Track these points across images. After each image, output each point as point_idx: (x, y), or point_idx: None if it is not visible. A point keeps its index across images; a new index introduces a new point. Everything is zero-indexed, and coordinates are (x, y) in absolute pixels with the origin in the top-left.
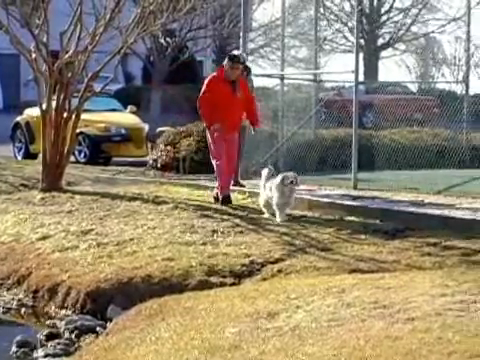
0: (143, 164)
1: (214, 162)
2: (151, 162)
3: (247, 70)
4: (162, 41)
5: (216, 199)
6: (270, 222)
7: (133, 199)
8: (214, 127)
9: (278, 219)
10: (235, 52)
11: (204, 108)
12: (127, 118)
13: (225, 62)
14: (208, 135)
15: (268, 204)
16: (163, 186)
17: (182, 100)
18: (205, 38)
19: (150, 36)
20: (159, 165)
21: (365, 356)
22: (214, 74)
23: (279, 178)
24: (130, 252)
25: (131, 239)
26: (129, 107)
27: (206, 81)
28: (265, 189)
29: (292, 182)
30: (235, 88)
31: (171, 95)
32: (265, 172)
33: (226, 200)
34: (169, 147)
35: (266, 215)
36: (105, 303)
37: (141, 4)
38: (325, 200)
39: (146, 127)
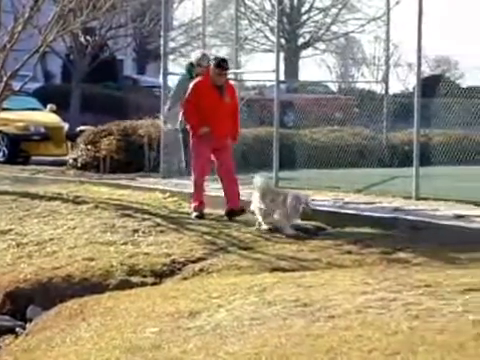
0: (63, 163)
1: (192, 174)
2: (71, 161)
3: None
4: (82, 39)
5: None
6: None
7: (53, 199)
8: (202, 131)
9: (288, 232)
10: (197, 54)
11: (190, 114)
12: (46, 117)
13: (212, 67)
14: (191, 144)
15: (268, 216)
16: (83, 185)
17: (102, 99)
18: (125, 37)
19: (70, 34)
20: (79, 164)
21: (286, 354)
22: (200, 79)
23: (290, 199)
24: (50, 252)
25: (51, 239)
26: (49, 106)
27: (191, 86)
28: (264, 201)
29: (304, 209)
30: (222, 93)
31: (91, 94)
32: (260, 182)
33: (199, 217)
34: (89, 146)
35: (265, 227)
36: (25, 303)
37: (60, 2)
38: (246, 199)
39: (66, 126)
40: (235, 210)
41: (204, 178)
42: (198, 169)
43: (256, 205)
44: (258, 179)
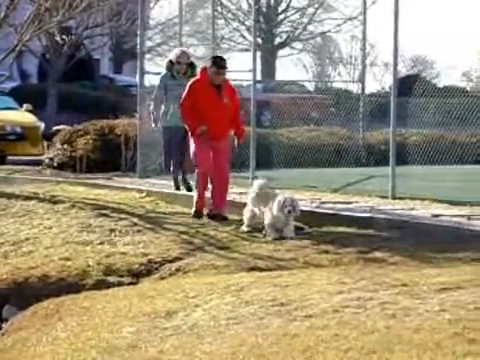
0: (39, 163)
1: (197, 171)
2: (47, 161)
3: (192, 67)
4: (58, 39)
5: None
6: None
7: (29, 198)
8: (200, 130)
9: (269, 237)
10: (177, 51)
11: (186, 115)
12: (23, 116)
13: (209, 66)
14: (192, 144)
15: (253, 218)
16: (60, 185)
17: (79, 98)
18: (102, 36)
19: (46, 34)
20: (56, 164)
21: (263, 354)
22: (197, 78)
23: (277, 202)
24: (26, 252)
25: (27, 239)
26: (25, 105)
27: (188, 85)
28: (254, 202)
29: (290, 212)
30: (220, 93)
31: (67, 93)
32: (257, 184)
33: (197, 215)
34: (66, 146)
35: (245, 228)
36: (0, 303)
37: (36, 1)
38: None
39: (42, 125)
40: (217, 215)
41: (208, 176)
42: (201, 164)
43: (247, 206)
44: (256, 181)
